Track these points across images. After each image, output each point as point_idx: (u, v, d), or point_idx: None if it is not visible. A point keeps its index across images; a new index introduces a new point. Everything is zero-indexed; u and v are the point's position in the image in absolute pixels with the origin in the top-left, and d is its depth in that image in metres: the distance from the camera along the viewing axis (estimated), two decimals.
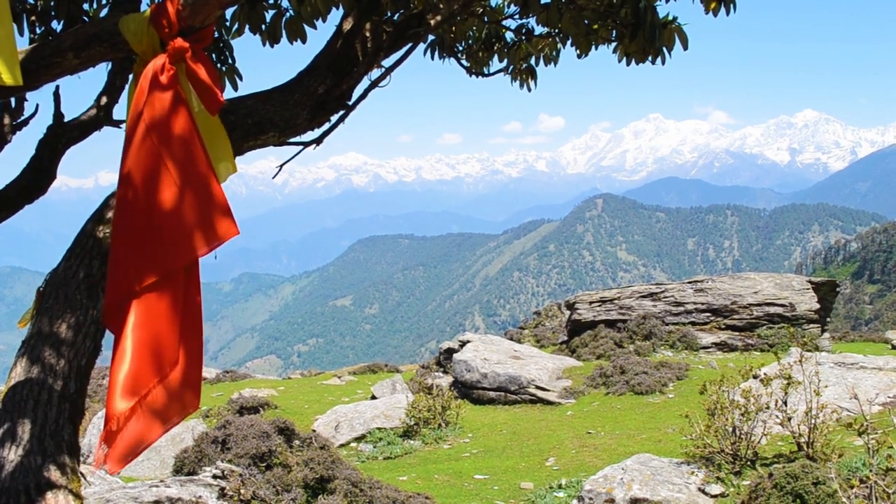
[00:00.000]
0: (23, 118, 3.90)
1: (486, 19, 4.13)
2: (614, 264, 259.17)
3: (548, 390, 13.97)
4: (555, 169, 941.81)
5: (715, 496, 6.44)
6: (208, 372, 22.39)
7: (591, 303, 19.58)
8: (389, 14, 3.42)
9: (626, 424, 11.19)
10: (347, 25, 3.24)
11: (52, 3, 3.59)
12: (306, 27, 3.43)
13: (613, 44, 3.72)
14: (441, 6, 3.39)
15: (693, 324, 17.83)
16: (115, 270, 2.19)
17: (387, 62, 3.44)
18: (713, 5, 3.41)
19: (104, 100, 3.85)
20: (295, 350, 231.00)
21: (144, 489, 5.94)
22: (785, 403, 6.93)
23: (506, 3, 4.10)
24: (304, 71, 3.18)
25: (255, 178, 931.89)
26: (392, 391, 15.32)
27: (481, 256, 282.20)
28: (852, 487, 4.73)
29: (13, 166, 3.80)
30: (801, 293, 17.65)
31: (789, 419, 6.93)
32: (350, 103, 3.30)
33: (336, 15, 3.36)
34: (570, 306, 20.50)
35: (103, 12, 3.70)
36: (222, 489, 6.24)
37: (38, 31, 3.63)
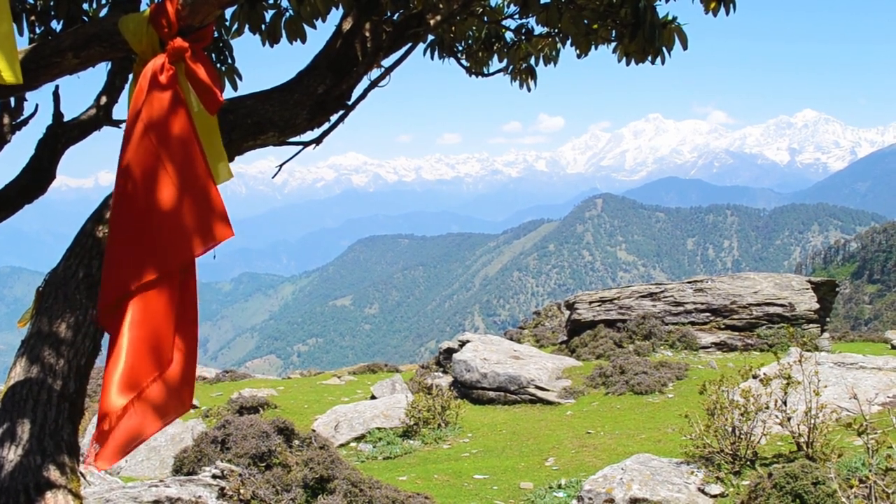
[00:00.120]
0: (22, 118, 3.90)
1: (485, 19, 4.13)
2: (614, 264, 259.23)
3: (547, 390, 13.97)
4: (554, 169, 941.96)
5: (714, 496, 6.44)
6: (208, 372, 22.38)
7: (590, 303, 19.58)
8: (389, 14, 3.42)
9: (625, 424, 11.19)
10: (347, 25, 3.24)
11: (51, 3, 3.59)
12: (306, 27, 3.43)
13: (613, 44, 3.72)
14: (441, 6, 3.39)
15: (693, 324, 17.84)
16: (111, 269, 2.19)
17: (386, 62, 3.44)
18: (713, 5, 3.41)
19: (104, 99, 3.85)
20: (295, 350, 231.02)
21: (144, 489, 5.94)
22: (784, 403, 6.93)
23: (505, 3, 4.10)
24: (303, 71, 3.18)
25: (255, 177, 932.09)
26: (392, 391, 15.33)
27: (481, 256, 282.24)
28: (852, 487, 4.73)
29: (13, 166, 3.80)
30: (800, 293, 17.65)
31: (789, 419, 6.93)
32: (350, 103, 3.30)
33: (336, 15, 3.36)
34: (570, 306, 20.50)
35: (103, 12, 3.69)
36: (222, 489, 6.24)
37: (37, 30, 3.63)
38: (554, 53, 4.21)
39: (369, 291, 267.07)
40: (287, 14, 3.45)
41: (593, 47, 3.80)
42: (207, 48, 3.01)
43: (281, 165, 3.70)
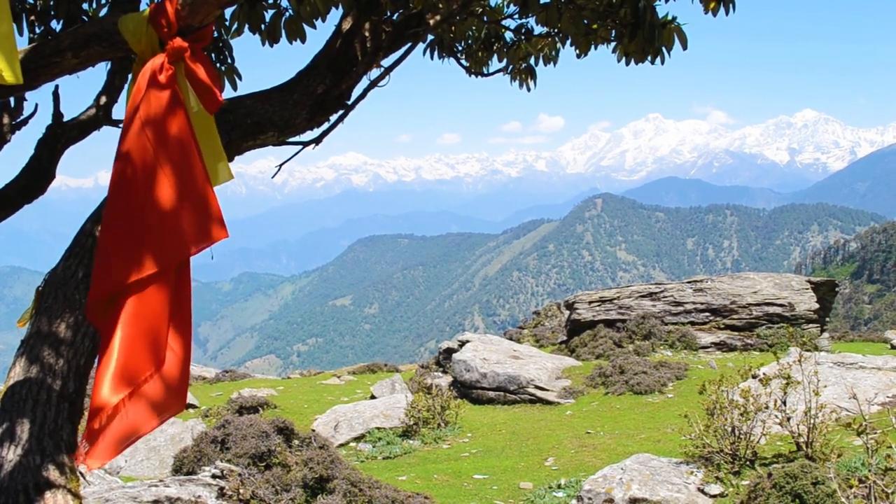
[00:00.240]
0: (22, 118, 3.90)
1: (485, 19, 4.13)
2: (614, 264, 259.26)
3: (547, 390, 13.98)
4: (554, 169, 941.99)
5: (714, 496, 6.45)
6: (207, 371, 22.37)
7: (590, 302, 19.59)
8: (389, 14, 3.42)
9: (625, 424, 11.19)
10: (347, 25, 3.24)
11: (51, 3, 3.59)
12: (306, 27, 3.43)
13: (613, 43, 3.72)
14: (440, 6, 3.39)
15: (692, 324, 17.84)
16: (102, 265, 2.18)
17: (386, 62, 3.44)
18: (712, 5, 3.41)
19: (103, 99, 3.85)
20: (294, 350, 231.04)
21: (143, 489, 5.94)
22: (784, 403, 6.93)
23: (505, 3, 4.10)
24: (303, 70, 3.18)
25: (255, 177, 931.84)
26: (391, 391, 15.33)
27: (481, 256, 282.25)
28: (851, 487, 4.73)
29: (12, 166, 3.80)
30: (800, 293, 17.66)
31: (788, 419, 6.93)
32: (349, 103, 3.30)
33: (335, 14, 3.36)
34: (570, 306, 20.51)
35: (103, 12, 3.69)
36: (221, 489, 6.24)
37: (37, 30, 3.63)
38: (554, 53, 4.21)
39: (369, 291, 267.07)
40: (287, 14, 3.45)
41: (593, 47, 3.80)
42: (207, 48, 3.02)
43: (281, 165, 3.70)
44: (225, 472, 6.51)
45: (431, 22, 3.40)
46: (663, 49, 3.49)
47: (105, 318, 2.17)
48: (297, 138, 3.26)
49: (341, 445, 11.79)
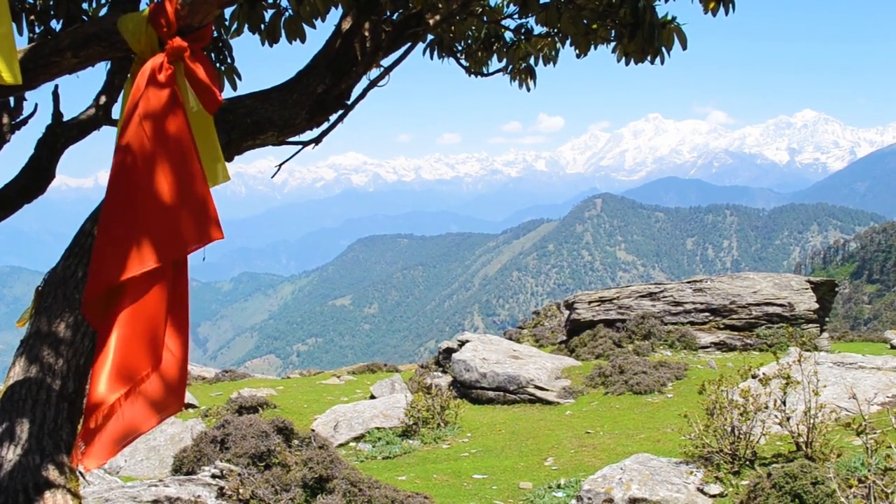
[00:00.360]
0: (22, 117, 3.90)
1: (485, 19, 4.13)
2: (613, 264, 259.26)
3: (547, 390, 13.98)
4: (554, 169, 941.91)
5: (714, 496, 6.45)
6: (207, 371, 22.36)
7: (589, 302, 19.59)
8: (388, 13, 3.42)
9: (624, 424, 11.19)
10: (346, 25, 3.24)
11: (51, 3, 3.59)
12: (305, 27, 3.43)
13: (612, 43, 3.72)
14: (440, 6, 3.39)
15: (692, 323, 17.84)
16: (98, 261, 2.18)
17: (386, 62, 3.44)
18: (712, 5, 3.41)
19: (103, 99, 3.85)
20: (294, 350, 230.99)
21: (143, 488, 5.93)
22: (784, 403, 6.93)
23: (505, 3, 4.10)
24: (302, 70, 3.18)
25: (255, 177, 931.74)
26: (391, 391, 15.33)
27: (480, 256, 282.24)
28: (851, 487, 4.73)
29: (12, 166, 3.80)
30: (799, 293, 17.66)
31: (788, 419, 6.93)
32: (349, 103, 3.30)
33: (335, 14, 3.36)
34: (569, 306, 20.51)
35: (102, 11, 3.69)
36: (221, 489, 6.24)
37: (37, 30, 3.63)
38: (553, 53, 4.21)
39: (369, 291, 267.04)
40: (286, 14, 3.45)
41: (593, 47, 3.80)
42: (207, 48, 3.01)
43: (280, 165, 3.71)
44: (224, 471, 6.51)
45: (431, 22, 3.40)
46: (663, 49, 3.49)
47: (102, 316, 2.17)
48: (296, 138, 3.26)
49: (341, 445, 11.79)
